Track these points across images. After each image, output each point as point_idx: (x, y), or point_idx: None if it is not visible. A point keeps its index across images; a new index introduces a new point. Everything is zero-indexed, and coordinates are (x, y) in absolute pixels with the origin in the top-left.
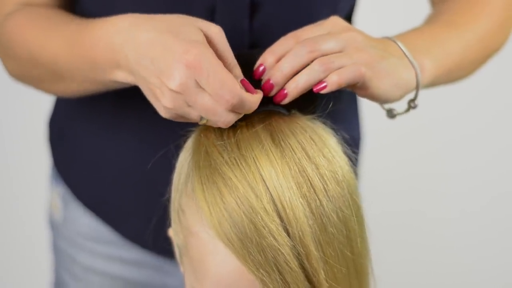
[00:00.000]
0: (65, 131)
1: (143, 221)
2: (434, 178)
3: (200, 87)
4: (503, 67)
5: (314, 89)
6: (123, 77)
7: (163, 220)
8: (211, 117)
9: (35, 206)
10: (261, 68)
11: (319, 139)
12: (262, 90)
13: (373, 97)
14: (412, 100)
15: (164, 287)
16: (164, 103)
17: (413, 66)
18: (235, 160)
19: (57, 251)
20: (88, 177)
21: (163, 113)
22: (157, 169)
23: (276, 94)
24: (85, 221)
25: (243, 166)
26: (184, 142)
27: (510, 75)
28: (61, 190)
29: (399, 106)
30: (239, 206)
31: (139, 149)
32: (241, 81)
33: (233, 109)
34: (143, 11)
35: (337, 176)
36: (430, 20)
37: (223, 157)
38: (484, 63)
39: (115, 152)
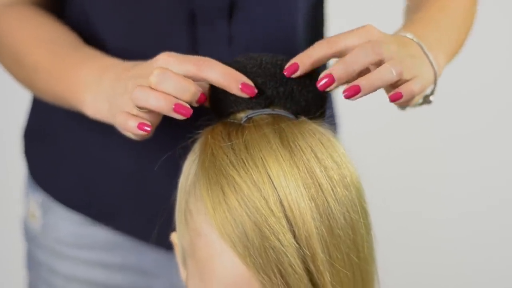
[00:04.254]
0: (46, 135)
1: (138, 213)
2: (433, 178)
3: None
4: (507, 65)
5: (390, 98)
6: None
7: (159, 212)
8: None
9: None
10: (293, 68)
11: (328, 143)
12: (320, 83)
13: (407, 104)
14: (428, 96)
15: None
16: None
17: (432, 65)
18: (242, 160)
19: (35, 264)
20: (73, 178)
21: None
22: (148, 163)
23: (349, 88)
24: (66, 227)
25: (250, 166)
26: (192, 144)
27: None
28: (39, 198)
29: None
30: (242, 207)
31: (128, 144)
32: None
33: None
34: None
35: (345, 180)
36: (423, 6)
37: (228, 158)
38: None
39: (103, 149)
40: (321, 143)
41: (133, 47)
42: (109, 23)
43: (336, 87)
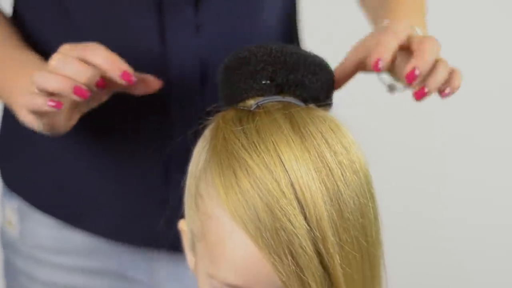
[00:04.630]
0: (17, 141)
1: (114, 213)
2: (433, 178)
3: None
4: (508, 65)
5: (442, 96)
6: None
7: (135, 211)
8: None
9: None
10: (377, 64)
11: (337, 129)
12: (407, 78)
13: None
14: None
15: None
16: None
17: None
18: (254, 143)
19: (13, 272)
20: (46, 182)
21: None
22: (120, 163)
23: (418, 91)
24: (44, 232)
25: (261, 149)
26: (202, 129)
27: None
28: (15, 204)
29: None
30: (254, 189)
31: (100, 145)
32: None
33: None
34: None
35: (354, 165)
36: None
37: (240, 142)
38: None
39: (74, 151)
40: (331, 129)
41: (101, 36)
42: (76, 13)
43: (417, 84)
